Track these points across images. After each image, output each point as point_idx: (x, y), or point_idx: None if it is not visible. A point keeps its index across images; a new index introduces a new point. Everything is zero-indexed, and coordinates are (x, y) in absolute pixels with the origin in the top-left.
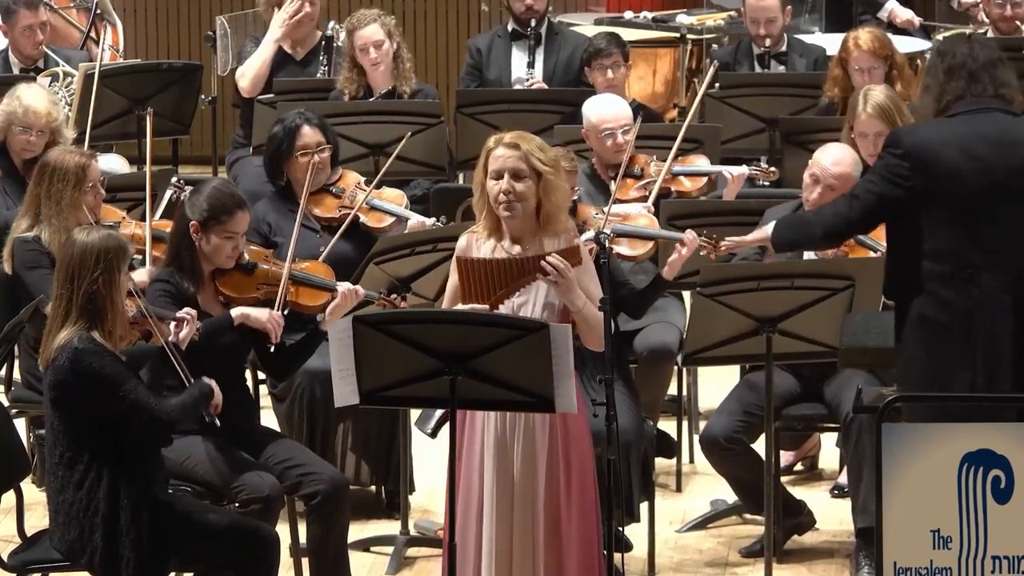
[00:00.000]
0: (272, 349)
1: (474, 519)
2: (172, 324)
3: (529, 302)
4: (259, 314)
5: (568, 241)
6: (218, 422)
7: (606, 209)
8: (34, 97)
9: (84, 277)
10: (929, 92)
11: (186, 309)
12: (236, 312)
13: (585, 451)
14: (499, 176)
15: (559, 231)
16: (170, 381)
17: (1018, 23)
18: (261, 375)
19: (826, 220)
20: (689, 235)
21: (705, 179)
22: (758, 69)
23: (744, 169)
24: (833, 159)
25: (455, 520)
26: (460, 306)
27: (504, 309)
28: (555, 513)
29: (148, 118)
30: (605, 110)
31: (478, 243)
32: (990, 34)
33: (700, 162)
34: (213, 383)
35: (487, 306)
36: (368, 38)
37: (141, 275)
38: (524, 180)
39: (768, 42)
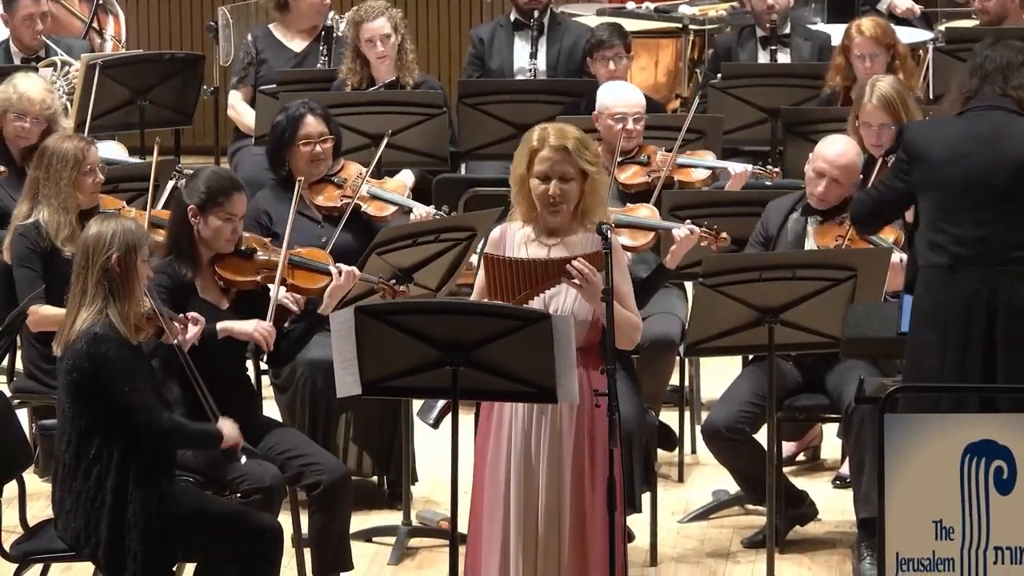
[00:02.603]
0: (265, 358)
1: (500, 511)
2: (178, 324)
3: (561, 293)
4: (244, 327)
5: (597, 242)
6: (243, 459)
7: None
8: (29, 84)
9: (99, 255)
10: (954, 90)
11: (193, 313)
12: (220, 326)
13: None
14: (546, 178)
15: (595, 222)
16: (173, 383)
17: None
18: (263, 365)
19: (854, 208)
20: (688, 228)
21: (708, 173)
22: (760, 52)
23: (747, 167)
24: (836, 152)
25: (457, 511)
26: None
27: (536, 299)
28: (581, 506)
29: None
30: (620, 96)
31: (512, 232)
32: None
33: (707, 157)
34: (227, 428)
35: (511, 305)
36: (376, 31)
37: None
38: (571, 182)
39: (775, 18)
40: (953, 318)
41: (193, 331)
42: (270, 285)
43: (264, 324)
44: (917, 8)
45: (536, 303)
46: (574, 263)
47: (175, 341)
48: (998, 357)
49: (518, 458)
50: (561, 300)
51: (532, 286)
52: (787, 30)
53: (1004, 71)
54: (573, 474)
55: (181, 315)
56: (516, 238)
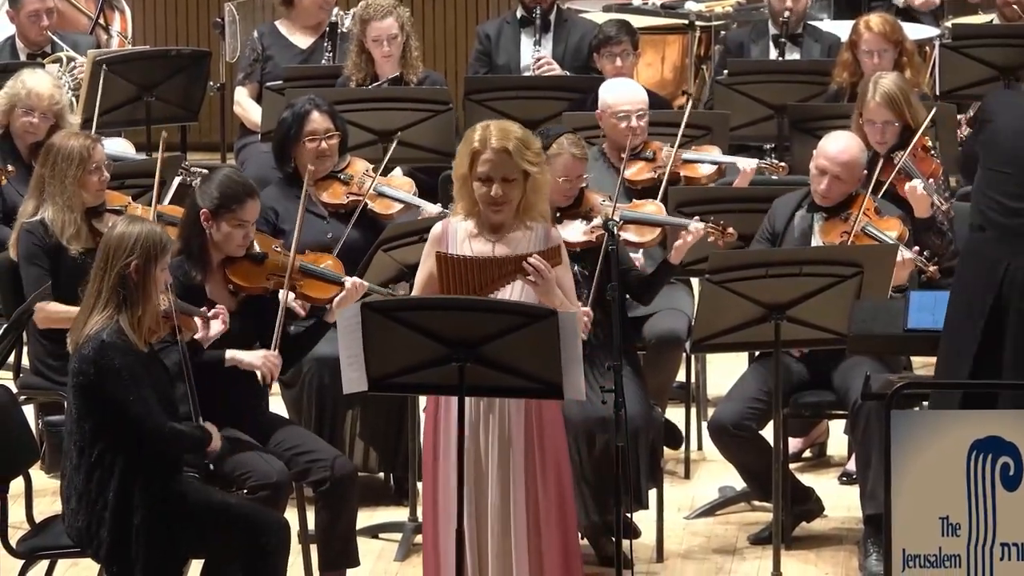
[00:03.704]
0: (264, 386)
1: (453, 506)
2: (199, 320)
3: (507, 288)
4: (251, 358)
5: (546, 232)
6: (211, 467)
7: (614, 195)
8: (37, 80)
9: (119, 259)
10: None
11: (217, 307)
12: (228, 355)
13: (559, 437)
14: (488, 179)
15: (535, 217)
16: (180, 381)
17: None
18: None
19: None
20: (695, 223)
21: (715, 168)
22: (772, 50)
23: (753, 163)
24: (838, 148)
25: (463, 507)
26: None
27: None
28: (534, 497)
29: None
30: (622, 94)
31: (454, 227)
32: (996, 22)
33: (713, 152)
34: (214, 431)
35: None
36: (385, 30)
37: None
38: (512, 182)
39: (788, 15)
40: (975, 281)
41: (216, 328)
42: (279, 291)
43: (272, 356)
44: None
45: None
46: (531, 260)
47: (187, 339)
48: (1007, 328)
49: (468, 452)
50: (507, 295)
51: (487, 284)
52: (799, 30)
53: None
54: (525, 467)
55: (203, 310)
56: (459, 234)
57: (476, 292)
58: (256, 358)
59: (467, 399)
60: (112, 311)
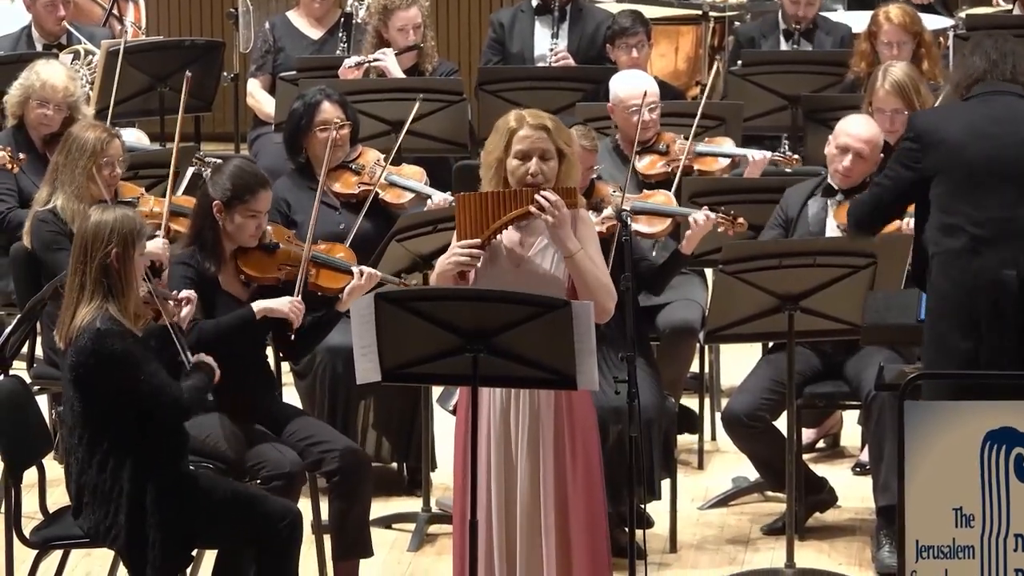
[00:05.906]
0: (292, 336)
1: (483, 493)
2: (172, 304)
3: (538, 255)
4: (280, 305)
5: (575, 215)
6: (210, 396)
7: (623, 186)
8: (52, 72)
9: (98, 251)
10: (955, 74)
11: (187, 291)
12: (258, 306)
13: (590, 428)
14: (526, 157)
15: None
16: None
17: None
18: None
19: (853, 210)
20: (705, 213)
21: (728, 161)
22: (783, 43)
23: (766, 154)
24: (860, 126)
25: (476, 498)
26: (452, 245)
27: (514, 270)
28: (562, 490)
29: (184, 86)
30: (633, 86)
31: None
32: (1016, 11)
33: (726, 144)
34: (211, 360)
35: (479, 240)
36: (410, 19)
37: (157, 243)
38: (550, 161)
39: (801, 24)
40: (985, 300)
41: (187, 310)
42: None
43: (296, 301)
44: None
45: (514, 275)
46: (544, 193)
47: (171, 321)
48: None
49: (498, 440)
50: (538, 262)
51: (500, 216)
52: (810, 24)
53: (1011, 58)
54: (554, 459)
55: (173, 293)
56: None
57: (489, 225)
58: (283, 304)
59: (497, 391)
60: (100, 301)
